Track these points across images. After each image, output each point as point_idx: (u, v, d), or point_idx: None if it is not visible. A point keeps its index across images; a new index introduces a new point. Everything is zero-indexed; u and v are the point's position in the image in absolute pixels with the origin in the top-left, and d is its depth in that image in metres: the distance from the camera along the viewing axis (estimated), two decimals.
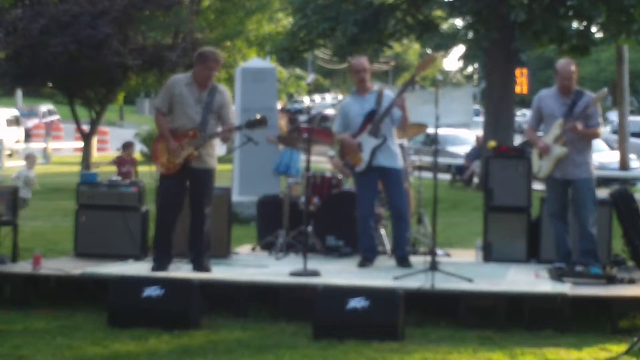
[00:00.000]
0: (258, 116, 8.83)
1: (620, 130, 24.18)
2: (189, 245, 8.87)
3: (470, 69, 63.82)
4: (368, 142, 9.19)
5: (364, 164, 9.23)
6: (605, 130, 30.57)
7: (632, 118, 26.19)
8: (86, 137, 23.41)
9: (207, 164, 8.82)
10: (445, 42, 46.26)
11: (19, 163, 29.69)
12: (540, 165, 9.06)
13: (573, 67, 8.98)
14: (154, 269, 8.69)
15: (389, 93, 9.31)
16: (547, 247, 9.47)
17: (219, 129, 8.79)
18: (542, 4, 19.67)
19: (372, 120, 9.18)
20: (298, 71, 46.78)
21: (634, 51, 39.72)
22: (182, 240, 8.90)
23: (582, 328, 7.65)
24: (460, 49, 56.08)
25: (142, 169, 15.75)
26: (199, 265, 8.73)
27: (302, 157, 10.90)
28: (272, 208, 10.66)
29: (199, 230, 8.79)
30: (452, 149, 27.67)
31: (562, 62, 9.12)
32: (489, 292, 7.97)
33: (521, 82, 23.68)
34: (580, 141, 8.94)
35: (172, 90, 8.79)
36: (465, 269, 8.71)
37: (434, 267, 8.24)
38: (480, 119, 27.19)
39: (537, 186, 10.92)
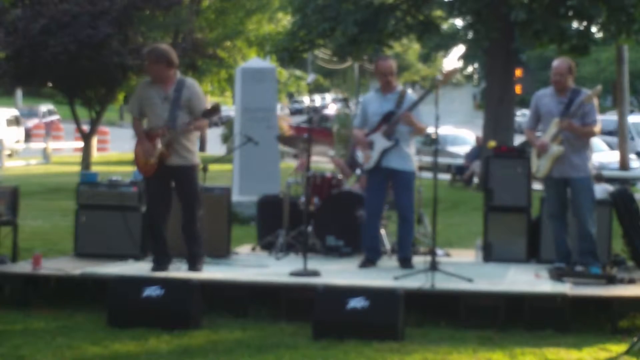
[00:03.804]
0: (211, 105, 8.80)
1: (620, 130, 24.18)
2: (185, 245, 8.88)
3: (470, 69, 63.86)
4: (380, 142, 9.18)
5: (372, 163, 9.23)
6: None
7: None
8: (86, 137, 23.40)
9: (188, 161, 8.77)
10: (445, 42, 46.30)
11: (19, 163, 29.77)
12: (539, 165, 9.05)
13: (566, 65, 8.96)
14: (154, 269, 8.69)
15: (412, 96, 9.27)
16: (547, 247, 9.47)
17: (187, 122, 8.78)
18: (542, 3, 19.67)
19: (388, 121, 9.17)
20: (298, 73, 46.79)
21: (634, 51, 39.80)
22: (181, 240, 8.91)
23: (582, 328, 7.65)
24: (460, 49, 56.19)
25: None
26: (192, 265, 8.75)
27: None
28: (272, 208, 10.65)
29: (189, 230, 8.77)
30: (452, 149, 27.71)
31: (557, 60, 9.14)
32: (489, 292, 7.97)
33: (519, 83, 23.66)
34: (577, 140, 8.92)
35: (140, 94, 8.82)
36: (465, 269, 8.71)
37: (434, 267, 8.24)
38: None
39: (537, 186, 10.92)
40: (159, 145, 8.64)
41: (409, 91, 9.31)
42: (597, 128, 8.97)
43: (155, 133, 8.70)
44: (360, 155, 10.76)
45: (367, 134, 9.25)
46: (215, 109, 8.77)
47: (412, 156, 9.29)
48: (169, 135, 8.63)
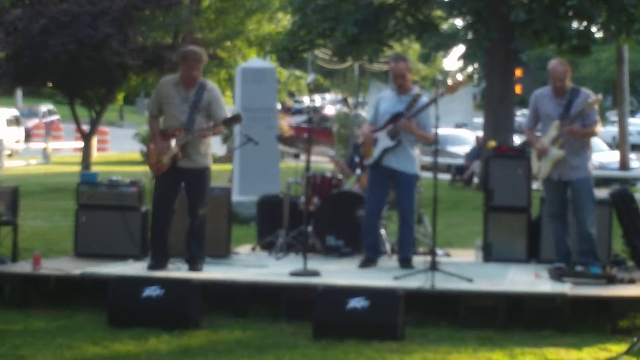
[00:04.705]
0: (233, 114, 8.84)
1: (620, 130, 24.19)
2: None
3: (470, 69, 63.79)
4: (383, 141, 9.18)
5: (371, 159, 9.27)
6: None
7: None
8: (86, 137, 23.41)
9: (199, 164, 8.79)
10: (445, 42, 46.26)
11: (19, 163, 29.76)
12: (539, 167, 9.05)
13: (564, 67, 8.94)
14: (150, 267, 8.70)
15: (424, 100, 9.25)
16: (547, 247, 9.47)
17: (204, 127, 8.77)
18: (542, 3, 19.67)
19: (396, 122, 9.17)
20: (298, 73, 46.78)
21: (634, 51, 39.74)
22: (181, 240, 8.91)
23: (582, 328, 7.65)
24: (460, 49, 56.16)
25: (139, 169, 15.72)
26: (192, 266, 8.76)
27: None
28: (272, 208, 10.65)
29: (192, 231, 8.80)
30: (452, 149, 27.69)
31: (553, 63, 9.04)
32: (489, 292, 7.97)
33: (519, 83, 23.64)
34: (577, 141, 8.92)
35: (160, 92, 8.87)
36: (465, 269, 8.71)
37: (434, 267, 8.24)
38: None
39: (537, 186, 10.91)
40: (173, 146, 8.65)
41: (423, 97, 9.27)
42: (598, 128, 8.99)
43: (170, 133, 8.72)
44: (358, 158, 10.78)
45: (374, 130, 9.27)
46: (237, 118, 8.81)
47: (416, 158, 9.27)
48: (185, 138, 8.65)
